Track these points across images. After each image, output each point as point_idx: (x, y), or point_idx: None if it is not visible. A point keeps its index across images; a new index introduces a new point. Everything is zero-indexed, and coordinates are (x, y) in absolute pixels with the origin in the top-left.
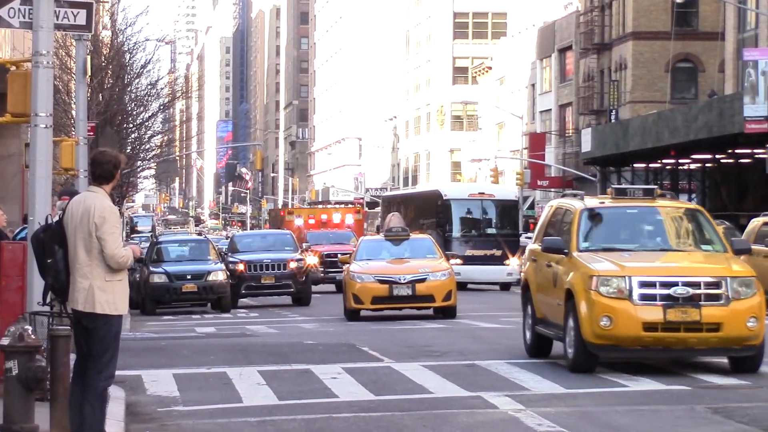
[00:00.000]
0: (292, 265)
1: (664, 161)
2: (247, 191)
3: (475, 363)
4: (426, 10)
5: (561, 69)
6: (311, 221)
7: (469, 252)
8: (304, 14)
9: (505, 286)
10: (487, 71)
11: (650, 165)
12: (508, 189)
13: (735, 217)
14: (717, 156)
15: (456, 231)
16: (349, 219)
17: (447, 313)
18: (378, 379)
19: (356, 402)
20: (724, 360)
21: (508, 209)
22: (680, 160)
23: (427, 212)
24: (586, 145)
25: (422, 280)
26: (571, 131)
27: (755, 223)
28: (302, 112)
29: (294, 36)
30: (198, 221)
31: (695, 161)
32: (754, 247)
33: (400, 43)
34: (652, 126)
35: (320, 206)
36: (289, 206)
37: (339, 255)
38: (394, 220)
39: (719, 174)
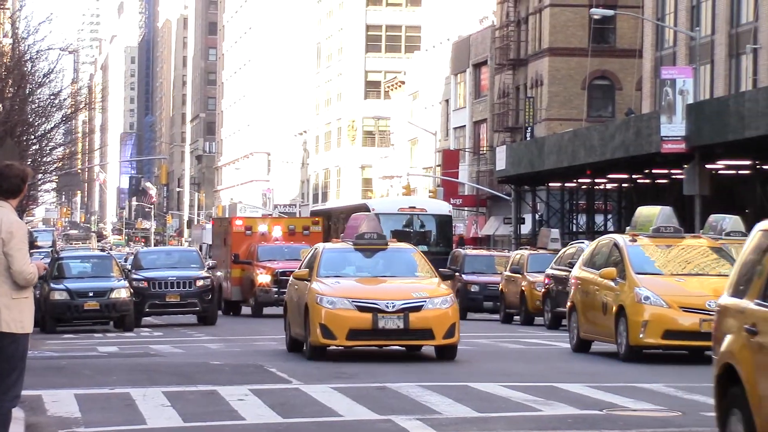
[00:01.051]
0: (198, 283)
1: (579, 180)
2: (152, 206)
3: (386, 385)
4: (338, 23)
5: (476, 85)
6: (261, 233)
7: None
8: (212, 24)
9: None
10: (400, 86)
11: (566, 184)
12: (441, 203)
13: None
14: (634, 176)
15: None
16: (306, 231)
17: (448, 353)
18: (286, 402)
19: (264, 425)
20: (640, 384)
21: (441, 224)
22: (596, 180)
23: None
24: (501, 163)
25: (417, 309)
26: (485, 148)
27: None
28: (209, 125)
29: (201, 47)
30: (100, 236)
31: (611, 181)
32: None
33: (311, 55)
34: (568, 144)
35: (273, 216)
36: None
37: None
38: (367, 222)
39: (636, 194)
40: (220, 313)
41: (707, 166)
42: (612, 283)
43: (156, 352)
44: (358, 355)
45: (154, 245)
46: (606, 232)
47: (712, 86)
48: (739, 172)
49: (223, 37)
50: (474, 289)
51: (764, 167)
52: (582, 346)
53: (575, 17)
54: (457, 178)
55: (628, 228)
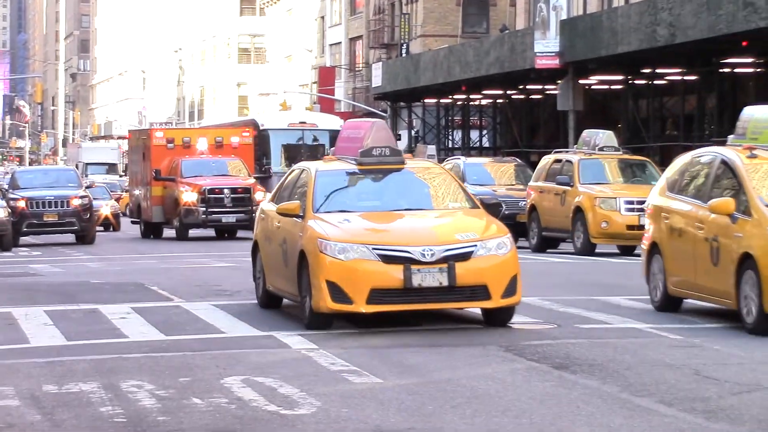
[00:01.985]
0: (76, 202)
1: (455, 96)
2: (26, 125)
3: None
4: None
5: (351, 1)
6: (201, 145)
7: None
8: None
9: None
10: (275, 2)
11: (441, 100)
12: (332, 117)
13: (526, 154)
14: (508, 92)
15: (276, 165)
16: (235, 143)
17: (502, 317)
18: (168, 319)
19: (146, 342)
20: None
21: (332, 140)
22: (471, 96)
23: None
24: (377, 80)
25: (466, 256)
26: (361, 65)
27: (546, 160)
28: (83, 43)
29: None
30: None
31: (486, 97)
32: (545, 184)
33: None
34: (444, 60)
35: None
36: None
37: (225, 190)
38: (374, 132)
39: (511, 110)
40: (139, 236)
41: (581, 81)
42: (728, 220)
43: (35, 271)
44: (237, 272)
45: (29, 165)
46: (481, 147)
47: (585, 2)
48: (612, 87)
49: None
50: None
51: (636, 82)
52: (669, 304)
53: None
54: (334, 95)
55: (731, 137)
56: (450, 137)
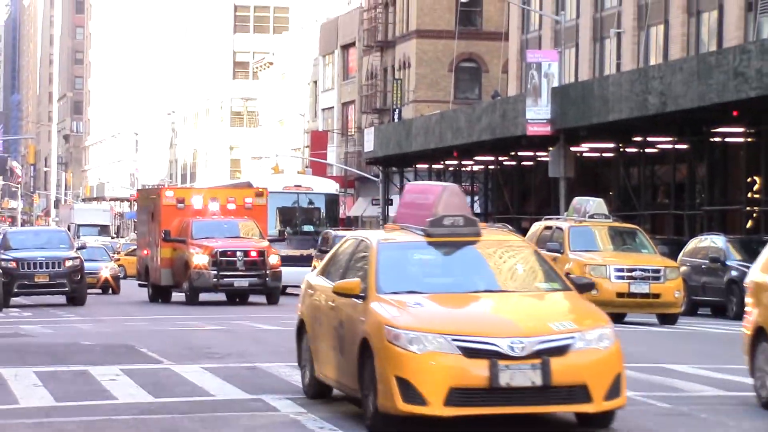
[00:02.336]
0: (67, 263)
1: (446, 162)
2: (18, 186)
3: (256, 365)
4: (206, 1)
5: (344, 66)
6: (212, 206)
7: (284, 252)
8: (80, 3)
9: None
10: (268, 66)
11: (433, 166)
12: (328, 181)
13: (517, 220)
14: (500, 158)
15: (271, 228)
16: (248, 204)
17: (605, 421)
18: (157, 381)
19: (135, 404)
20: None
21: (328, 204)
22: (463, 161)
23: None
24: (369, 145)
25: (562, 351)
26: (353, 130)
27: (537, 227)
28: (77, 104)
29: (69, 25)
30: None
31: (478, 163)
32: None
33: (179, 35)
34: (435, 126)
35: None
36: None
37: (238, 252)
38: (446, 198)
39: (502, 176)
40: (146, 299)
41: (572, 148)
42: None
43: (26, 332)
44: (226, 335)
45: (21, 225)
46: (473, 214)
47: (577, 70)
48: (603, 154)
49: (90, 16)
50: None
51: (627, 150)
52: None
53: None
54: (326, 159)
55: None
56: None
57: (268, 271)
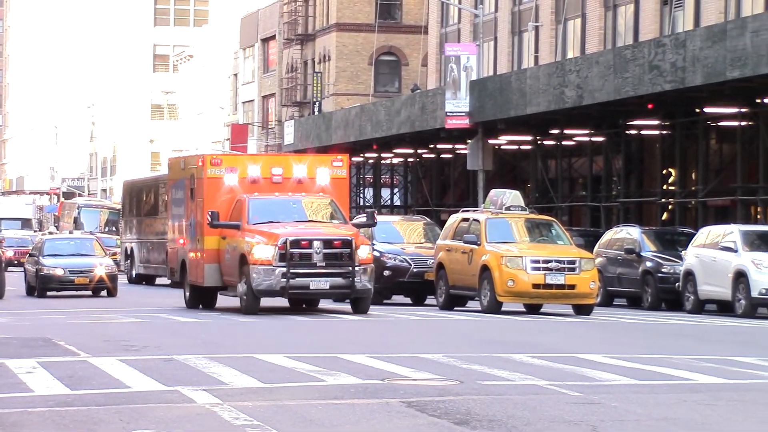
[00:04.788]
0: None
1: (366, 155)
2: None
3: (173, 357)
4: None
5: (264, 59)
6: (252, 179)
7: None
8: None
9: None
10: (188, 59)
11: (353, 159)
12: None
13: (437, 212)
14: (419, 151)
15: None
16: (323, 176)
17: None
18: (74, 374)
19: (52, 396)
20: (422, 354)
21: None
22: (383, 154)
23: (167, 199)
24: (289, 138)
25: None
26: (273, 123)
27: (454, 219)
28: None
29: None
30: None
31: (397, 155)
32: (452, 243)
33: (99, 28)
34: (355, 119)
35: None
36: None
37: (316, 242)
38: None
39: (422, 169)
40: (182, 305)
41: (490, 141)
42: None
43: None
44: (144, 328)
45: None
46: (393, 206)
47: (496, 63)
48: (521, 147)
49: (8, 9)
50: None
51: (545, 143)
52: None
53: None
54: (246, 152)
55: None
56: (362, 195)
57: (357, 268)
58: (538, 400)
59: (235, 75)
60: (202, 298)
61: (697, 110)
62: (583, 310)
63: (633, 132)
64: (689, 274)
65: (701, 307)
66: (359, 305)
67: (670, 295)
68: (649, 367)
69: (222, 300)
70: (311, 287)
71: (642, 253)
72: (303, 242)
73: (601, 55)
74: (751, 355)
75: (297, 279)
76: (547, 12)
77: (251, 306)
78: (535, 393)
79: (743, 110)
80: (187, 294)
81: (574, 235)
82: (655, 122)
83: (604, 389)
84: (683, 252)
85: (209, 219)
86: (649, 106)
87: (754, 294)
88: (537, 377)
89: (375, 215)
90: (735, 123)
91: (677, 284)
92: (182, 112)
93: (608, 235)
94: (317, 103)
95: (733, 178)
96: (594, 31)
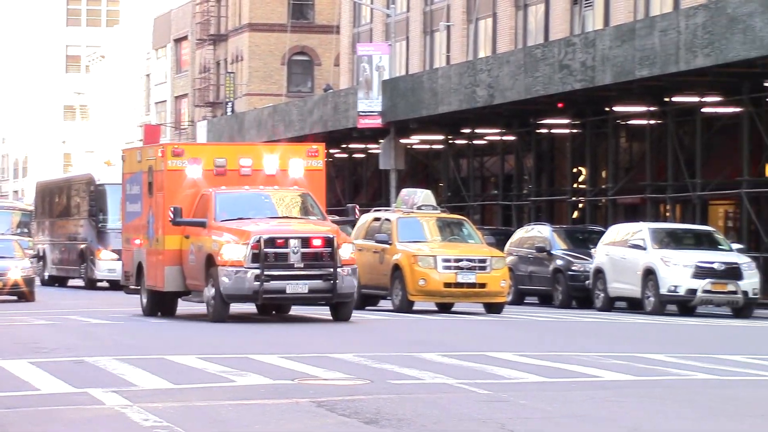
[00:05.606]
0: None
1: None
2: None
3: (84, 359)
4: None
5: (177, 60)
6: (218, 171)
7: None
8: None
9: None
10: (100, 60)
11: None
12: None
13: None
14: (332, 150)
15: (112, 221)
16: (297, 168)
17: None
18: None
19: None
20: (332, 354)
21: None
22: None
23: (80, 201)
24: (202, 138)
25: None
26: (186, 123)
27: (365, 218)
28: None
29: None
30: None
31: None
32: (364, 242)
33: (10, 28)
34: (268, 119)
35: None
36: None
37: (292, 241)
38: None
39: (334, 168)
40: (140, 315)
41: (402, 140)
42: None
43: None
44: (55, 330)
45: None
46: None
47: (408, 62)
48: (433, 146)
49: None
50: None
51: (457, 142)
52: None
53: None
54: None
55: None
56: None
57: (339, 270)
58: (447, 399)
59: (148, 75)
60: (161, 304)
61: (607, 109)
62: (494, 308)
63: (544, 131)
64: (599, 272)
65: (611, 304)
66: (341, 311)
67: (581, 292)
68: (557, 364)
69: (183, 305)
70: (288, 291)
71: (552, 252)
72: (278, 240)
73: (511, 54)
74: (659, 351)
75: (272, 282)
76: (458, 12)
77: (219, 312)
78: (445, 392)
79: (652, 109)
80: (145, 300)
81: (485, 234)
82: (566, 121)
83: (513, 387)
84: (593, 250)
85: (171, 216)
86: (560, 105)
87: (663, 291)
88: (447, 376)
89: (357, 210)
90: (644, 121)
91: (587, 282)
92: (94, 113)
93: (519, 234)
94: (230, 103)
95: (642, 176)
96: (505, 31)
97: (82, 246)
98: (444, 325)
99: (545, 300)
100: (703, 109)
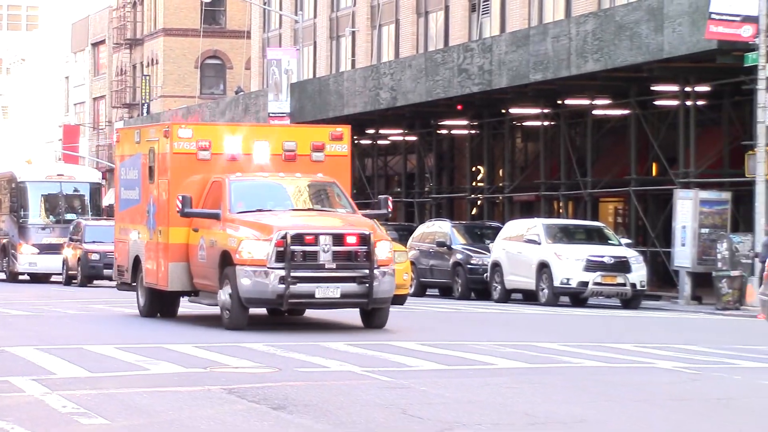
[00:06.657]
0: None
1: None
2: None
3: (4, 349)
4: None
5: (95, 63)
6: (231, 156)
7: (46, 240)
8: None
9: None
10: (21, 62)
11: None
12: (91, 170)
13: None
14: None
15: (33, 217)
16: (319, 153)
17: None
18: None
19: None
20: (242, 344)
21: (92, 192)
22: None
23: (2, 197)
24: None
25: None
26: (104, 124)
27: None
28: None
29: None
30: None
31: None
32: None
33: None
34: (181, 120)
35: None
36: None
37: (322, 237)
38: None
39: None
40: (135, 313)
41: None
42: None
43: None
44: None
45: None
46: None
47: (315, 66)
48: None
49: None
50: (95, 257)
51: (362, 142)
52: None
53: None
54: (78, 152)
55: None
56: None
57: (376, 271)
58: (352, 386)
59: (67, 78)
60: (162, 305)
61: (503, 111)
62: (396, 300)
63: (444, 132)
64: (496, 266)
65: (508, 296)
66: (375, 318)
67: (479, 285)
68: (456, 353)
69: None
70: (317, 295)
71: (452, 246)
72: (307, 237)
73: (413, 59)
74: (552, 340)
75: (299, 285)
76: (363, 18)
77: (238, 318)
78: (350, 379)
79: (546, 111)
80: (142, 300)
81: (388, 229)
82: (465, 122)
83: (414, 374)
84: (491, 244)
85: (179, 206)
86: (459, 107)
87: (556, 283)
88: (352, 364)
89: (389, 202)
90: (538, 123)
91: (485, 275)
92: (15, 113)
93: (421, 229)
94: (146, 104)
95: (536, 175)
96: (407, 36)
97: (4, 240)
98: (348, 316)
99: (446, 292)
100: (594, 112)
